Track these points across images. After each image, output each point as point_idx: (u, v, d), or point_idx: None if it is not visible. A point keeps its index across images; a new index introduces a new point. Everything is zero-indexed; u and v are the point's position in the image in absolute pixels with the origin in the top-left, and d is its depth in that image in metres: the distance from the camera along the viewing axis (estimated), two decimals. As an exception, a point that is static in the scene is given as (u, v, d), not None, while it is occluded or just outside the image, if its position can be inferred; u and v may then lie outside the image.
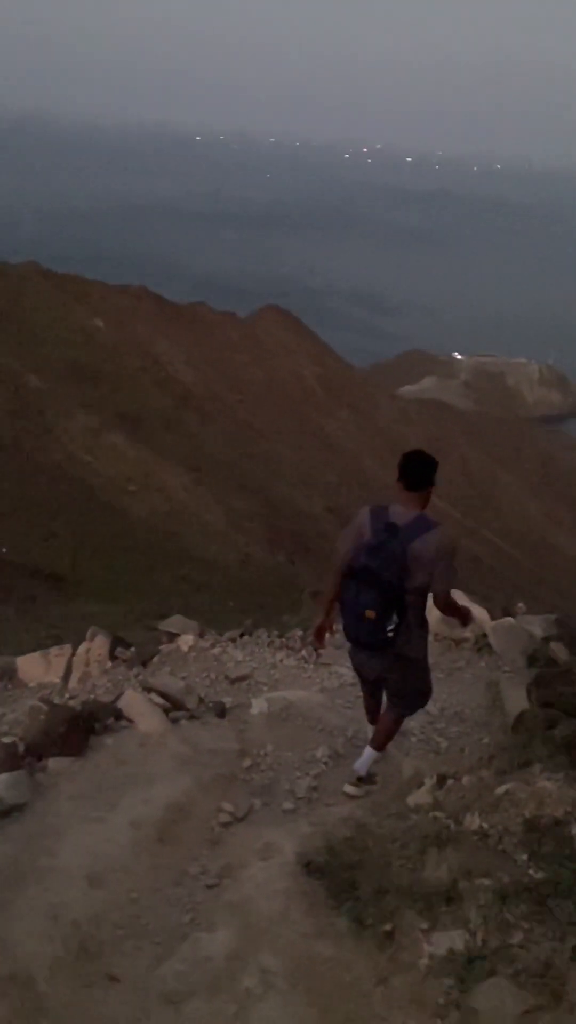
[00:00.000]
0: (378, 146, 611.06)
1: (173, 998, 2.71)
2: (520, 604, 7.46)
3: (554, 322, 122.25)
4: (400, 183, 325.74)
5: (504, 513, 51.14)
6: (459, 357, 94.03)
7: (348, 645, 3.94)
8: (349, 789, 4.08)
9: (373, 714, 4.32)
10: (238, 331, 53.93)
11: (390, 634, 3.58)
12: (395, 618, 3.56)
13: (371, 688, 4.23)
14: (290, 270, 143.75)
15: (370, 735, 4.33)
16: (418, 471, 3.65)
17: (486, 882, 2.64)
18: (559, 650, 6.12)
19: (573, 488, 58.51)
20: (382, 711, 4.18)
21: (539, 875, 2.58)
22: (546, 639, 6.34)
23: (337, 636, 6.47)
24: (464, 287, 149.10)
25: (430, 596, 3.68)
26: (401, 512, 3.62)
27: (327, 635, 4.11)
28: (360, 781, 4.10)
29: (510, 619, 6.71)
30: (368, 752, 4.14)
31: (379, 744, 4.14)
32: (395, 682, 3.95)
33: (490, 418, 68.61)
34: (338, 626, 4.08)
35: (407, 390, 72.76)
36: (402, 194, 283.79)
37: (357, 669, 4.08)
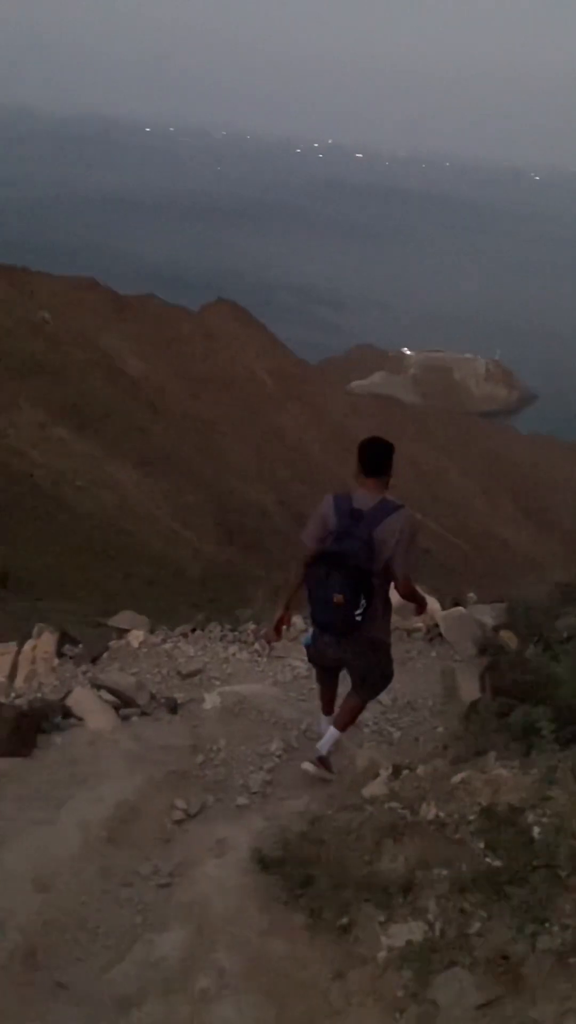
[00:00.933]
0: (329, 142, 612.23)
1: (125, 1003, 2.63)
2: (471, 594, 7.51)
3: (500, 318, 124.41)
4: (351, 179, 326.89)
5: (451, 506, 51.83)
6: (408, 352, 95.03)
7: (303, 637, 3.91)
8: (307, 767, 4.09)
9: (329, 704, 4.34)
10: (189, 324, 53.52)
11: (358, 618, 3.60)
12: (363, 602, 3.59)
13: (329, 677, 4.27)
14: (241, 264, 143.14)
15: (324, 728, 4.34)
16: (377, 457, 3.72)
17: (443, 872, 2.62)
18: (509, 638, 6.18)
19: (517, 481, 59.63)
20: (345, 697, 4.19)
21: (496, 863, 2.56)
22: (496, 628, 6.41)
23: (292, 629, 6.45)
24: (413, 283, 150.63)
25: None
26: (364, 498, 3.67)
27: (284, 628, 4.12)
28: (320, 761, 4.10)
29: (461, 608, 6.75)
30: (331, 732, 4.16)
31: (343, 724, 4.16)
32: (360, 667, 3.99)
33: (438, 412, 69.54)
34: (300, 616, 4.10)
35: (357, 385, 73.27)
36: (352, 190, 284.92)
37: (318, 657, 4.10)
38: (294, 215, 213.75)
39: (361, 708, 4.20)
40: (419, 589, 3.95)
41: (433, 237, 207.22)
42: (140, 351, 46.92)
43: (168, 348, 49.67)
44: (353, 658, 3.94)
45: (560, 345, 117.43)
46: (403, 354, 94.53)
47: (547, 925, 2.26)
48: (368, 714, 5.21)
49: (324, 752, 4.13)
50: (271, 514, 37.88)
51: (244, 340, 55.26)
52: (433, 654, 6.01)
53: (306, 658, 4.52)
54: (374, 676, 4.07)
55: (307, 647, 4.16)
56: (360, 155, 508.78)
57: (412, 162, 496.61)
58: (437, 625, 6.30)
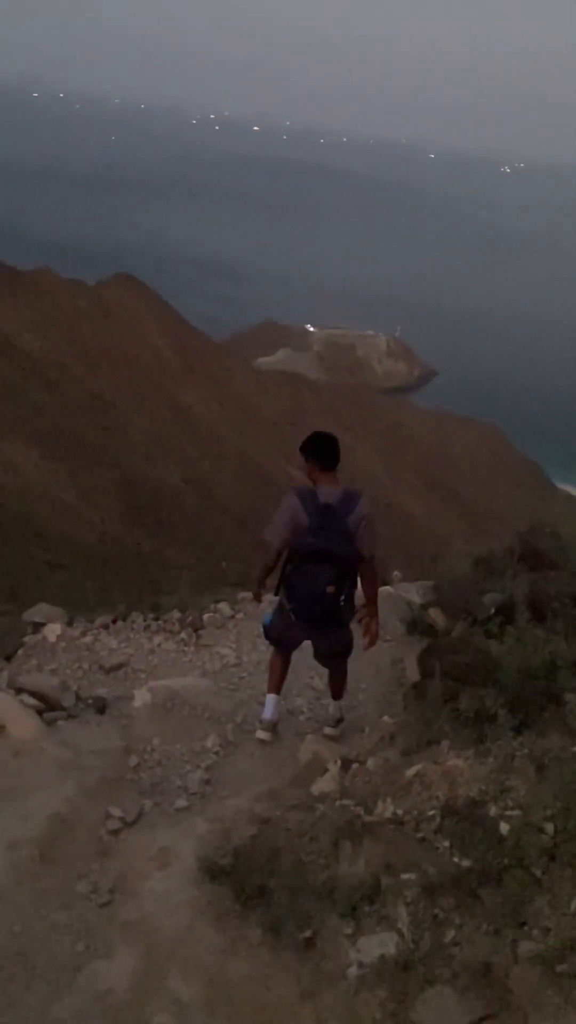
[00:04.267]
0: (226, 113, 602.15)
1: (72, 1043, 2.40)
2: (396, 572, 7.49)
3: (400, 296, 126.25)
4: (248, 152, 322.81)
5: (357, 479, 52.35)
6: (311, 329, 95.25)
7: (264, 615, 4.19)
8: (329, 731, 4.44)
9: (279, 683, 4.49)
10: (86, 298, 51.61)
11: (342, 603, 3.85)
12: (346, 588, 3.84)
13: (287, 656, 4.44)
14: (138, 236, 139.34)
15: (267, 711, 4.43)
16: (333, 450, 3.94)
17: (411, 876, 2.50)
18: (437, 616, 6.16)
19: (419, 455, 60.99)
20: (329, 676, 4.51)
21: (465, 863, 2.46)
22: (424, 606, 6.38)
23: (218, 616, 6.24)
24: (311, 258, 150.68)
25: None
26: (328, 491, 3.84)
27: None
28: (338, 723, 4.48)
29: (388, 587, 6.70)
30: (334, 704, 4.52)
31: (338, 694, 4.50)
32: (333, 643, 4.23)
33: (342, 388, 70.06)
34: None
35: (263, 361, 72.90)
36: (249, 163, 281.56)
37: (281, 638, 4.26)
38: (190, 187, 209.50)
39: (344, 675, 4.46)
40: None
41: (330, 212, 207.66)
42: (35, 327, 44.94)
43: (66, 323, 47.78)
44: (324, 639, 4.19)
45: (457, 322, 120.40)
46: (307, 331, 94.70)
47: (526, 928, 2.17)
48: (303, 700, 5.09)
49: (338, 715, 4.49)
50: (179, 493, 37.25)
51: (144, 315, 53.81)
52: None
53: (261, 636, 4.78)
54: (345, 645, 4.28)
55: (266, 627, 4.27)
56: (257, 128, 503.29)
57: (309, 136, 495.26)
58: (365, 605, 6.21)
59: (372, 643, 4.16)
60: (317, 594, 3.77)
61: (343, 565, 3.77)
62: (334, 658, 4.35)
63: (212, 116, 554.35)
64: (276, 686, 4.46)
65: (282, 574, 3.96)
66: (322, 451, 3.92)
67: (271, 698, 4.46)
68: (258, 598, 4.44)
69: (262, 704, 4.60)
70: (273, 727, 4.41)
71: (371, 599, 4.11)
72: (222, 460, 43.51)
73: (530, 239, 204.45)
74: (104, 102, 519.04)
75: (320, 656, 4.40)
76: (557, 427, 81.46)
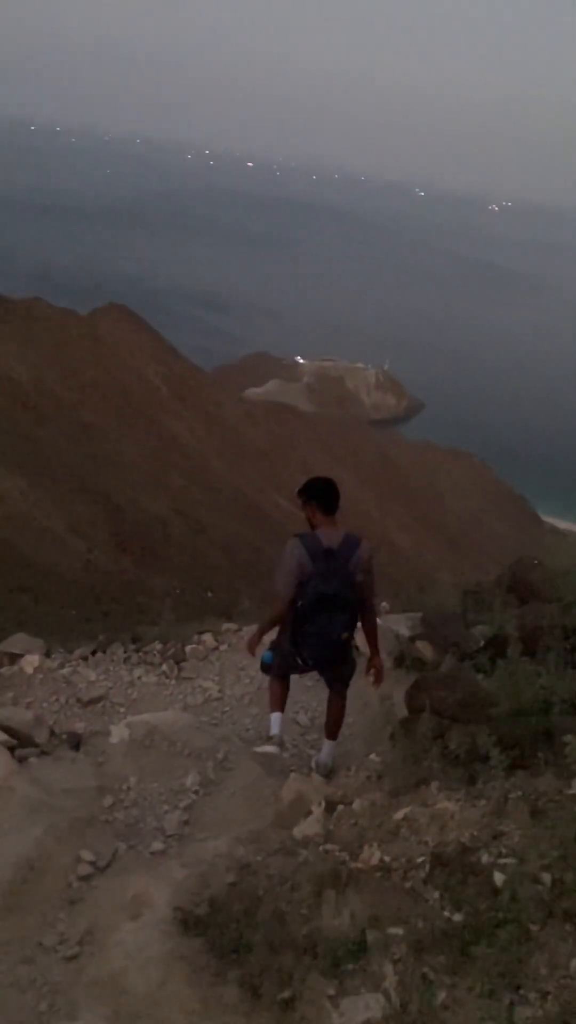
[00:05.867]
0: (220, 149, 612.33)
1: None
2: (383, 603, 7.34)
3: (388, 329, 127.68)
4: (242, 187, 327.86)
5: (346, 512, 52.26)
6: (301, 361, 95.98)
7: (263, 655, 4.15)
8: (318, 781, 4.16)
9: (282, 702, 4.41)
10: (78, 328, 51.73)
11: (350, 642, 4.04)
12: (352, 631, 3.97)
13: (287, 680, 4.41)
14: (130, 268, 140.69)
15: (274, 728, 4.32)
16: (334, 495, 4.03)
17: (398, 931, 2.33)
18: (425, 649, 6.02)
19: (406, 486, 61.14)
20: (328, 704, 4.38)
21: (456, 917, 2.30)
22: (412, 638, 6.23)
23: (201, 647, 6.06)
24: (302, 292, 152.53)
25: None
26: (330, 536, 3.87)
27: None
28: (329, 774, 4.23)
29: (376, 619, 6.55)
30: (328, 746, 4.35)
31: (335, 733, 4.36)
32: (339, 674, 4.25)
33: (331, 420, 70.35)
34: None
35: (252, 392, 73.20)
36: (243, 198, 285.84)
37: (283, 670, 4.23)
38: (184, 221, 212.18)
39: (344, 708, 4.37)
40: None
41: (321, 247, 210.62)
42: (25, 356, 44.96)
43: (56, 353, 47.82)
44: (329, 672, 4.24)
45: (445, 356, 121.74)
46: (296, 363, 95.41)
47: (523, 992, 2.01)
48: (287, 736, 4.91)
49: (330, 765, 4.26)
50: (167, 523, 37.03)
51: (136, 345, 53.97)
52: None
53: (259, 670, 4.57)
54: (347, 672, 4.29)
55: (266, 665, 4.26)
56: (251, 164, 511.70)
57: (302, 172, 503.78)
58: (357, 646, 6.06)
59: (379, 682, 4.16)
60: (332, 641, 3.87)
61: (352, 609, 3.87)
62: (338, 683, 4.33)
63: (207, 151, 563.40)
64: (279, 705, 4.41)
65: (287, 622, 3.98)
66: (324, 496, 4.00)
67: (276, 716, 4.41)
68: (252, 652, 4.24)
69: (244, 740, 4.45)
70: (281, 741, 4.36)
71: (373, 643, 4.19)
72: (211, 490, 43.41)
73: (518, 276, 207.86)
74: (100, 136, 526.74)
75: (325, 679, 4.42)
76: (542, 460, 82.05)
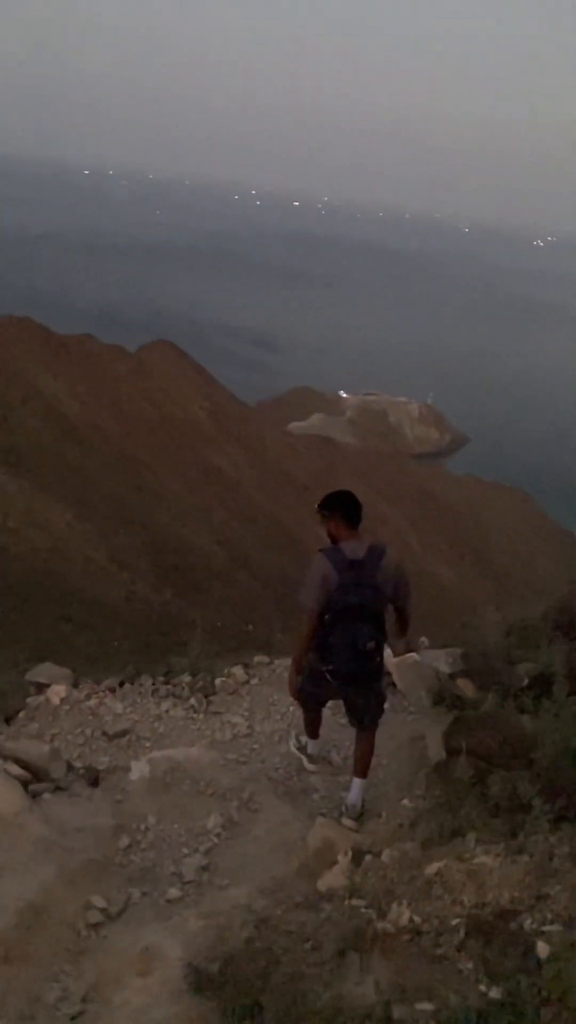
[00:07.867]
0: (267, 189, 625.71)
1: None
2: (423, 639, 7.03)
3: (432, 363, 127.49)
4: (287, 226, 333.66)
5: (388, 546, 51.72)
6: (344, 395, 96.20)
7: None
8: (349, 823, 3.94)
9: (317, 728, 4.50)
10: (126, 364, 52.73)
11: (378, 659, 3.87)
12: (382, 643, 3.85)
13: (319, 708, 4.40)
14: (177, 306, 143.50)
15: (311, 749, 4.51)
16: (357, 508, 3.95)
17: (427, 1006, 2.07)
18: (466, 686, 5.72)
19: (449, 521, 60.28)
20: (356, 743, 4.21)
21: (494, 993, 2.03)
22: (452, 675, 5.94)
23: (230, 681, 5.85)
24: (346, 328, 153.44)
25: None
26: (355, 547, 3.81)
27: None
28: (359, 817, 4.01)
29: (414, 655, 6.26)
30: (357, 784, 4.13)
31: (364, 770, 4.16)
32: (369, 698, 4.10)
33: (373, 454, 70.09)
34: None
35: (295, 426, 73.51)
36: (288, 236, 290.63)
37: (314, 697, 4.19)
38: (231, 260, 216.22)
39: (373, 745, 4.21)
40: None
41: (365, 283, 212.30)
42: (76, 391, 45.86)
43: (105, 388, 48.71)
44: (359, 696, 4.06)
45: (489, 390, 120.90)
46: (340, 397, 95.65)
47: None
48: (317, 777, 4.66)
49: (359, 807, 4.04)
50: (209, 555, 37.04)
51: (182, 380, 54.71)
52: (387, 707, 5.49)
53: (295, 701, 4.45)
54: (377, 705, 4.18)
55: (299, 690, 4.13)
56: (296, 203, 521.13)
57: (346, 211, 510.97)
58: (389, 673, 5.79)
59: (406, 645, 4.34)
60: (359, 651, 3.75)
61: (379, 620, 3.81)
62: (368, 715, 4.16)
63: (253, 192, 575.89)
64: (314, 732, 4.47)
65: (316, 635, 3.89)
66: (350, 509, 3.93)
67: (312, 742, 4.51)
68: (295, 695, 4.16)
69: (272, 779, 4.23)
70: (320, 759, 4.44)
71: (404, 628, 4.16)
72: (252, 523, 43.40)
73: (562, 310, 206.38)
74: (150, 179, 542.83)
75: (353, 714, 4.20)
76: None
